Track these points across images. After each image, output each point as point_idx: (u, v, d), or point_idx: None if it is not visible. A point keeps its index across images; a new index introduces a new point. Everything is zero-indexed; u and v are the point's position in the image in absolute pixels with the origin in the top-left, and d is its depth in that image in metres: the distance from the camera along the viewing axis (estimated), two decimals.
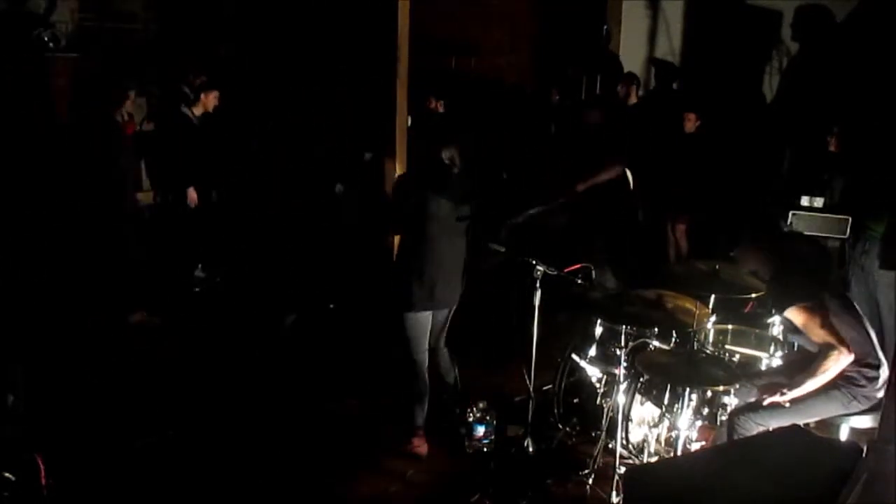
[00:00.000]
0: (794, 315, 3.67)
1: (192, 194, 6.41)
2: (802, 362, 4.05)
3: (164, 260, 6.39)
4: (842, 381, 3.68)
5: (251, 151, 7.12)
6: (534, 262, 4.36)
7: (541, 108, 8.17)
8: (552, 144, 7.69)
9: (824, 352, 3.62)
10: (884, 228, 5.11)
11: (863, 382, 3.67)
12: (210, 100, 6.49)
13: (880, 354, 3.75)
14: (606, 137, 6.36)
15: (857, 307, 3.87)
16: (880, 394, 3.67)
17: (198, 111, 6.49)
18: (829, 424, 3.80)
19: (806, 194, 5.77)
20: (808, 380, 3.65)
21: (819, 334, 3.62)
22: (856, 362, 3.65)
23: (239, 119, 7.02)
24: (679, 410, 3.90)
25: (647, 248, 7.26)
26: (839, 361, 3.59)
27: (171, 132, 6.42)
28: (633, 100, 7.42)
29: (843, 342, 3.59)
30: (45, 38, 6.70)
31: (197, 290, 6.62)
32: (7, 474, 3.60)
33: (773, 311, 4.03)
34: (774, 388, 3.75)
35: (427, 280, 4.20)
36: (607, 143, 6.27)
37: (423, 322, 4.33)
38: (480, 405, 4.55)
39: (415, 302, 4.24)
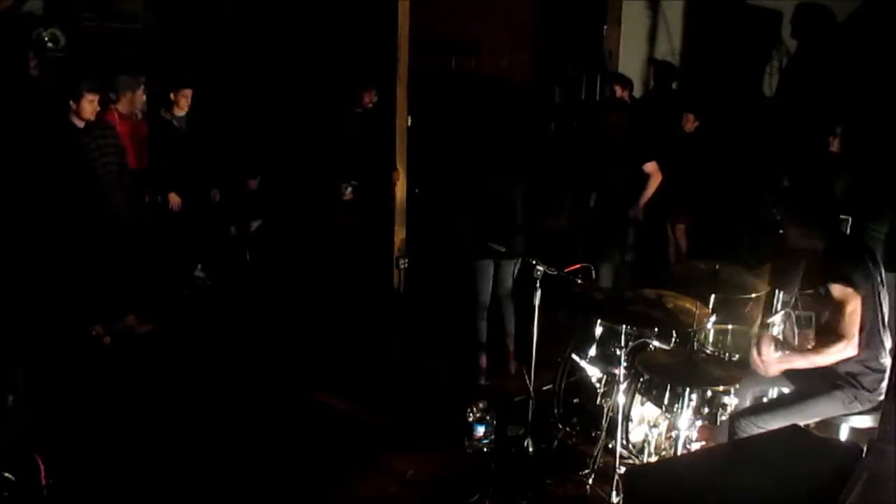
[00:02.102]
0: (838, 290, 3.61)
1: (175, 199, 6.30)
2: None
3: (161, 262, 6.37)
4: (844, 382, 3.67)
5: (249, 152, 7.10)
6: (534, 262, 4.36)
7: (542, 108, 8.17)
8: (554, 143, 7.69)
9: (834, 339, 3.61)
10: (887, 229, 5.09)
11: (866, 383, 3.65)
12: (182, 100, 6.29)
13: (886, 361, 3.72)
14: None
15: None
16: (881, 397, 3.66)
17: (178, 112, 6.33)
18: (829, 424, 3.79)
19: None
20: (811, 357, 3.68)
21: (844, 320, 3.59)
22: (861, 362, 3.64)
23: (235, 120, 7.00)
24: (679, 410, 3.90)
25: (647, 248, 7.25)
26: (843, 353, 3.59)
27: (153, 137, 6.31)
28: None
29: (855, 338, 3.58)
30: (45, 38, 6.69)
31: (187, 292, 6.59)
32: (7, 474, 3.60)
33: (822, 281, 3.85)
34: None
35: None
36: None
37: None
38: (480, 405, 4.55)
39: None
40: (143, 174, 6.16)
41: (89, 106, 5.40)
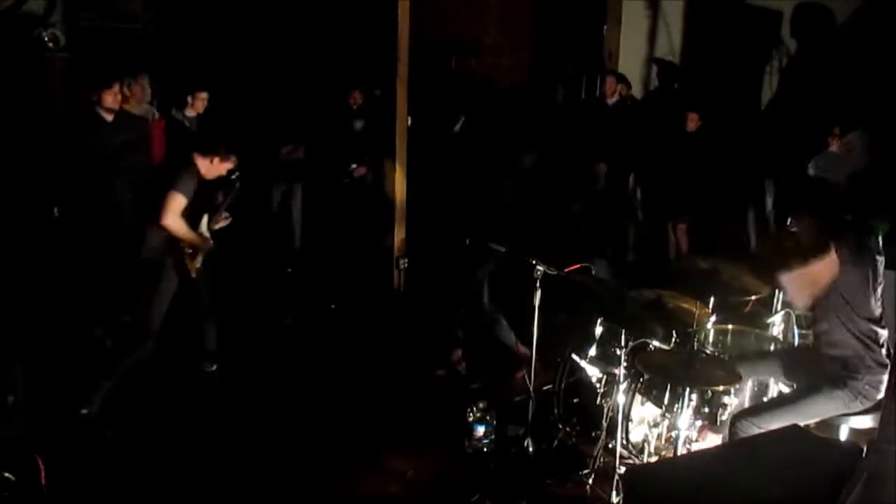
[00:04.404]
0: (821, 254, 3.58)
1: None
2: (802, 359, 4.04)
3: None
4: (845, 377, 3.65)
5: (253, 151, 7.10)
6: (534, 262, 4.37)
7: (542, 108, 8.18)
8: (556, 140, 7.70)
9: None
10: (887, 227, 5.09)
11: (866, 373, 3.62)
12: (199, 102, 6.42)
13: (882, 352, 3.71)
14: None
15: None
16: (881, 395, 3.65)
17: (190, 113, 6.46)
18: (829, 424, 3.79)
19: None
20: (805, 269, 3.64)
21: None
22: (857, 357, 3.63)
23: (236, 119, 7.01)
24: (679, 410, 3.90)
25: (647, 247, 7.26)
26: (827, 265, 3.56)
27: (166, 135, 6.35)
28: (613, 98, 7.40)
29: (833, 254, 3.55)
30: (45, 38, 6.70)
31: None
32: (7, 474, 3.60)
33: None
34: None
35: None
36: None
37: None
38: (480, 405, 4.55)
39: None
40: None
41: (110, 97, 5.48)
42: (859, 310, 3.63)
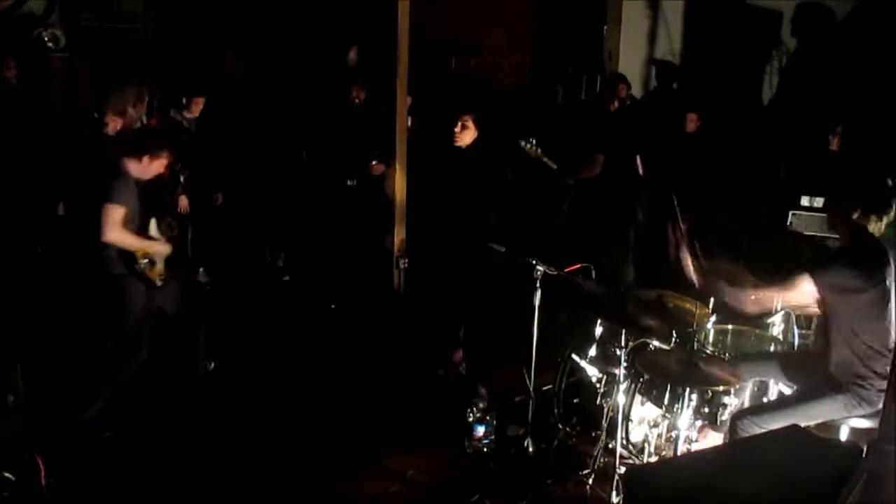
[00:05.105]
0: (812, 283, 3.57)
1: (183, 202, 6.26)
2: (803, 361, 4.04)
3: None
4: (850, 385, 3.62)
5: (253, 152, 7.10)
6: (534, 262, 4.37)
7: (542, 108, 8.18)
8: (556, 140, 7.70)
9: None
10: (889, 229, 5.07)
11: (875, 387, 3.59)
12: (195, 107, 6.46)
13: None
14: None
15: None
16: (881, 403, 3.62)
17: (189, 115, 6.49)
18: (829, 425, 3.79)
19: (806, 194, 5.77)
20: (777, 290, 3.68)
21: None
22: (867, 367, 3.60)
23: (238, 120, 7.01)
24: (679, 410, 3.90)
25: (648, 247, 7.25)
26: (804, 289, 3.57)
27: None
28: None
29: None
30: (45, 38, 6.71)
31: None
32: (7, 474, 3.60)
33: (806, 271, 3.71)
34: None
35: None
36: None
37: None
38: (480, 405, 4.55)
39: None
40: None
41: (112, 124, 5.52)
42: (871, 342, 3.58)
